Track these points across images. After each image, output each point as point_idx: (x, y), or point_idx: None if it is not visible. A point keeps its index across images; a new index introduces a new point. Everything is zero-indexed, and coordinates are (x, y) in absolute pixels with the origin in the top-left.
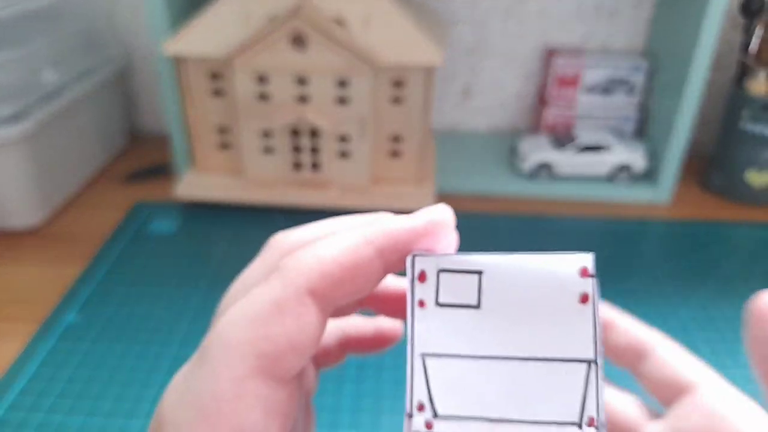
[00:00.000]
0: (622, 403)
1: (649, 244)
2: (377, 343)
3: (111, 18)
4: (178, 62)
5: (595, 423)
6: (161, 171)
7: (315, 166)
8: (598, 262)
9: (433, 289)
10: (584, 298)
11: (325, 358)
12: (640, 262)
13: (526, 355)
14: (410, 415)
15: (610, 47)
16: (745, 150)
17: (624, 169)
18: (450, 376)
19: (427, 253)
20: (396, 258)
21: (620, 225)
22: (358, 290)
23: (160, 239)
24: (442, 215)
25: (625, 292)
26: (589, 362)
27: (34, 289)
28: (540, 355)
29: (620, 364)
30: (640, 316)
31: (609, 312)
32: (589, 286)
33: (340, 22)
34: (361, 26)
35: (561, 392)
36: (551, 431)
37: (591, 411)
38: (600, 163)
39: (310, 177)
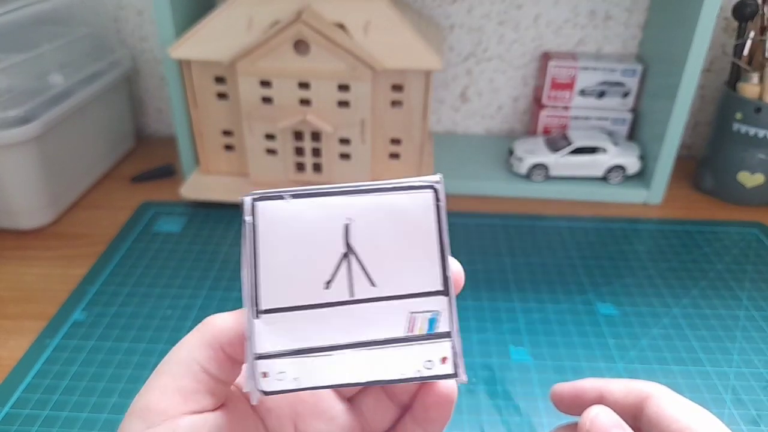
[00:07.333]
0: None
1: (642, 244)
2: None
3: (117, 22)
4: (184, 66)
5: None
6: (167, 172)
7: (317, 167)
8: (592, 261)
9: None
10: None
11: None
12: (633, 261)
13: None
14: None
15: (604, 51)
16: (738, 151)
17: (618, 170)
18: None
19: None
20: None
21: (614, 224)
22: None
23: (166, 238)
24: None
25: (618, 290)
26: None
27: (42, 288)
28: None
29: (625, 420)
30: (633, 314)
31: (598, 381)
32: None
33: (340, 27)
34: (362, 32)
35: None
36: None
37: None
38: (594, 165)
39: (311, 178)
